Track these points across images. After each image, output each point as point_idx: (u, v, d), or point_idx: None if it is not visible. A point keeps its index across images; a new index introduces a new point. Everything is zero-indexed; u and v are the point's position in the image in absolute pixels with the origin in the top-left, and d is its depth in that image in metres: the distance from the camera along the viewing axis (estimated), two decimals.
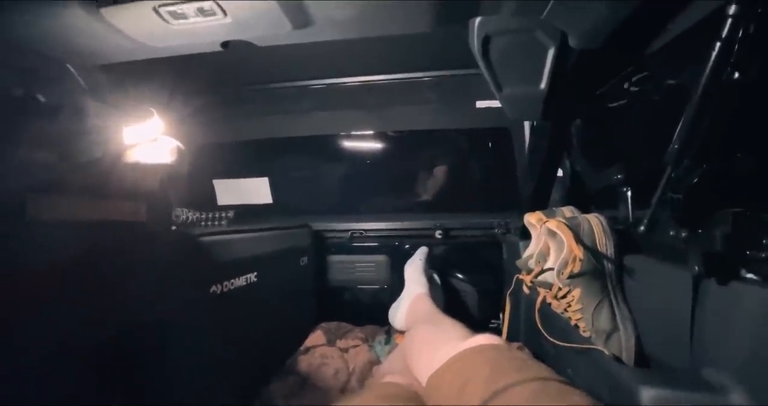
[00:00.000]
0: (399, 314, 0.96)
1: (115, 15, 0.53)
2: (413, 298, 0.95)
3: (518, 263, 0.79)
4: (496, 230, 1.20)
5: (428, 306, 0.89)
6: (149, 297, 0.57)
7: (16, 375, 0.41)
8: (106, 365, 0.50)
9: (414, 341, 0.70)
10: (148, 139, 0.50)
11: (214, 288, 0.70)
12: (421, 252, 1.16)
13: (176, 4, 0.51)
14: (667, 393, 0.46)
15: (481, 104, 1.17)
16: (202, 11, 0.52)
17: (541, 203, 1.00)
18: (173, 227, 0.85)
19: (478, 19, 0.62)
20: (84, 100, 0.47)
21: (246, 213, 1.31)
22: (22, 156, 0.38)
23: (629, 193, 0.69)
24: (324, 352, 0.92)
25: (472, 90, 1.16)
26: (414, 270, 1.07)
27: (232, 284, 0.74)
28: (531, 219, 0.81)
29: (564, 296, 0.66)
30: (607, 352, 0.60)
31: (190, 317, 0.66)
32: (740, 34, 0.45)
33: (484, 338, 0.56)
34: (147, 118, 0.51)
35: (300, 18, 0.55)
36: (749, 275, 0.44)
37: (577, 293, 0.64)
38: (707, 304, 0.48)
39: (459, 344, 0.56)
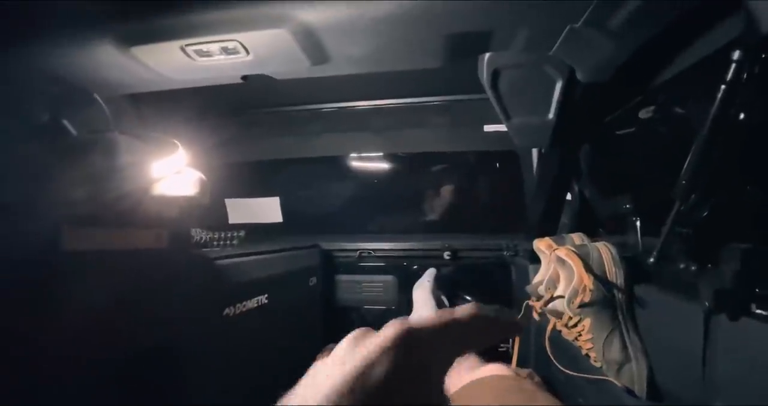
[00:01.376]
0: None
1: (144, 53, 0.56)
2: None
3: (528, 289, 0.79)
4: (504, 252, 1.20)
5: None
6: (169, 321, 0.58)
7: (48, 392, 0.42)
8: (126, 385, 0.52)
9: None
10: (173, 171, 0.53)
11: (227, 311, 0.71)
12: (430, 274, 1.16)
13: (202, 43, 0.54)
14: None
15: (488, 128, 1.19)
16: (226, 50, 0.55)
17: (549, 228, 1.00)
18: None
19: (488, 55, 0.65)
20: (113, 136, 0.50)
21: (257, 232, 1.33)
22: (59, 191, 0.41)
23: (638, 222, 0.70)
24: None
25: (479, 114, 1.18)
26: (422, 292, 1.07)
27: (244, 306, 0.75)
28: (541, 245, 0.82)
29: (575, 325, 0.66)
30: (619, 383, 0.60)
31: (204, 340, 0.67)
32: (745, 78, 0.46)
33: (493, 369, 0.57)
34: (172, 152, 0.54)
35: (318, 56, 0.58)
36: (759, 311, 0.45)
37: (587, 322, 0.64)
38: (718, 339, 0.48)
39: (468, 373, 0.57)
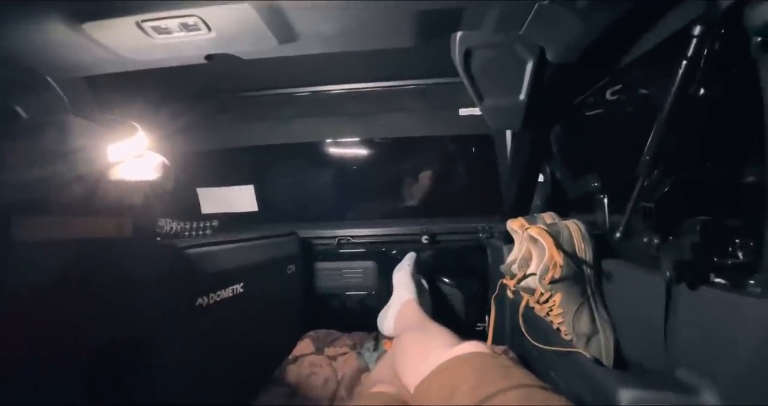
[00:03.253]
0: (387, 320, 0.97)
1: (98, 30, 0.53)
2: (402, 304, 0.96)
3: (502, 268, 0.81)
4: (480, 235, 1.22)
5: (416, 312, 0.90)
6: (135, 313, 0.56)
7: (7, 392, 0.40)
8: (94, 380, 0.50)
9: (402, 349, 0.71)
10: (132, 155, 0.50)
11: (200, 301, 0.69)
12: (409, 258, 1.17)
13: (160, 19, 0.51)
14: (644, 394, 0.49)
15: (463, 112, 1.19)
16: (186, 26, 0.52)
17: (522, 209, 1.02)
18: (158, 239, 0.84)
19: (459, 34, 0.64)
20: (67, 118, 0.47)
21: (231, 221, 1.30)
22: (6, 176, 0.38)
23: (605, 200, 0.72)
24: (312, 361, 0.92)
25: (454, 98, 1.18)
26: (402, 276, 1.08)
27: (218, 295, 0.74)
28: (513, 225, 0.83)
29: (546, 301, 0.68)
30: (587, 354, 0.63)
31: (177, 331, 0.65)
32: (705, 53, 0.48)
33: (470, 346, 0.58)
34: (131, 134, 0.51)
35: (285, 33, 0.56)
36: (717, 280, 0.47)
37: (558, 297, 0.66)
38: (679, 308, 0.51)
39: (446, 351, 0.57)
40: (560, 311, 0.66)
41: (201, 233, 1.02)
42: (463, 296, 1.23)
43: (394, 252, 1.27)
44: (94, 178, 0.45)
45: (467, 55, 0.68)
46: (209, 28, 0.53)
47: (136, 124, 0.53)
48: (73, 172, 0.43)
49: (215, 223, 1.07)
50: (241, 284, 0.81)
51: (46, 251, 0.43)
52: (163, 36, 0.54)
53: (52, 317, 0.45)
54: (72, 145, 0.44)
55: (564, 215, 0.83)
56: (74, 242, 0.45)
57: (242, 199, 1.35)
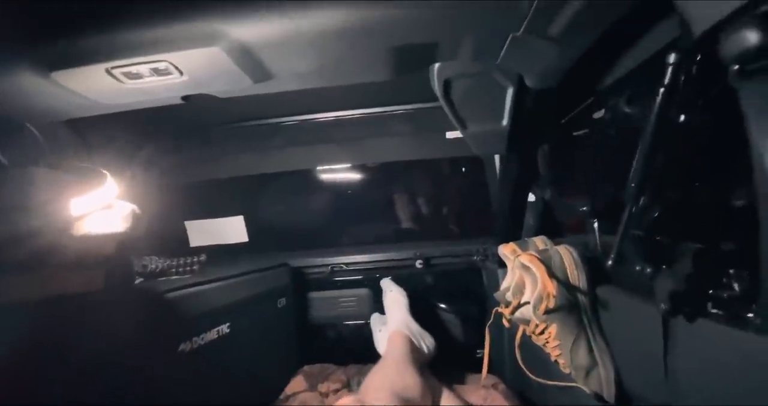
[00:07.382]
0: (381, 342, 0.97)
1: (67, 78, 0.52)
2: (391, 333, 0.95)
3: (496, 295, 0.78)
4: (475, 257, 1.20)
5: (397, 348, 0.89)
6: (113, 366, 0.54)
7: None
8: None
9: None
10: (101, 205, 0.48)
11: (182, 347, 0.66)
12: (390, 282, 1.16)
13: (130, 65, 0.50)
14: None
15: (450, 135, 1.19)
16: (157, 71, 0.52)
17: (514, 231, 1.00)
18: (140, 280, 0.82)
19: (437, 65, 0.64)
20: (32, 170, 0.45)
21: (220, 253, 1.28)
22: None
23: (596, 224, 0.70)
24: (304, 399, 0.89)
25: (442, 122, 1.17)
26: (394, 295, 1.07)
27: (202, 338, 0.71)
28: (505, 251, 0.81)
29: (542, 332, 0.66)
30: (588, 389, 0.60)
31: (159, 380, 0.62)
32: (683, 80, 0.47)
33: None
34: (100, 183, 0.49)
35: (259, 73, 0.56)
36: (714, 311, 0.45)
37: (553, 329, 0.63)
38: (678, 340, 0.48)
39: None
40: (557, 343, 0.63)
41: (188, 268, 0.99)
42: (460, 321, 1.19)
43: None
44: (60, 232, 0.43)
45: (447, 85, 0.68)
46: (181, 72, 0.52)
47: (105, 171, 0.52)
48: (37, 227, 0.41)
49: (203, 257, 1.04)
50: (228, 324, 0.78)
51: (11, 313, 0.41)
52: (134, 81, 0.54)
53: (24, 380, 0.42)
54: (37, 199, 0.42)
55: (556, 235, 0.81)
56: (40, 302, 0.43)
57: (232, 230, 1.33)
